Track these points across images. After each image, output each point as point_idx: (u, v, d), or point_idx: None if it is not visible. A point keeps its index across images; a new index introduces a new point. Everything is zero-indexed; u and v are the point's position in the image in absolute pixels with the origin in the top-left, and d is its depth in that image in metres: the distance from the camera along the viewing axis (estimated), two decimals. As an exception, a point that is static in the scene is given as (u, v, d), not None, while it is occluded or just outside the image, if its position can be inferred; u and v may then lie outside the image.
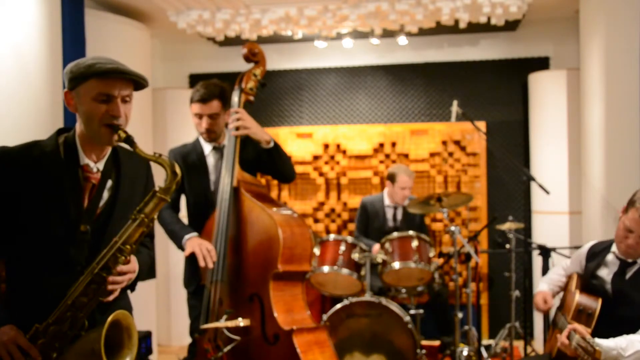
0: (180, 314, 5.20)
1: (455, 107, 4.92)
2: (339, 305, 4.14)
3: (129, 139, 1.93)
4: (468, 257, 4.37)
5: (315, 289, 4.48)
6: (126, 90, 1.97)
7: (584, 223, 4.88)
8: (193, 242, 3.08)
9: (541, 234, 5.46)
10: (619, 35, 3.91)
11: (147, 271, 2.22)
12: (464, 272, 5.50)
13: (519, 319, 5.24)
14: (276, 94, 6.19)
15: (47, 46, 3.68)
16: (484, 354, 4.52)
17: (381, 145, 5.87)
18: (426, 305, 4.70)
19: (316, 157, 5.96)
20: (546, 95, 5.47)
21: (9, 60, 3.32)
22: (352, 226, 5.82)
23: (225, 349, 2.85)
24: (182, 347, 5.50)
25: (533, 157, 5.67)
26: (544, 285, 3.16)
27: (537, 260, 5.18)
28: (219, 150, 3.30)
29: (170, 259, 5.58)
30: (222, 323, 2.85)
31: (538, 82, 5.57)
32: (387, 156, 5.87)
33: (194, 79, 6.24)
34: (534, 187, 5.29)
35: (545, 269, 4.27)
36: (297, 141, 5.96)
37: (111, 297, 2.00)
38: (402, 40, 5.65)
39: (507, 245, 4.86)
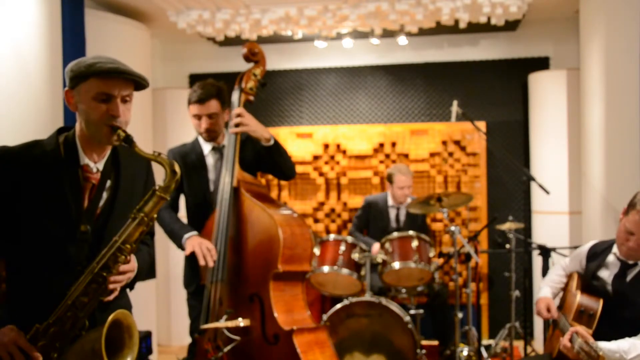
0: (180, 314, 5.20)
1: (455, 107, 4.92)
2: (339, 305, 4.14)
3: (128, 139, 1.93)
4: (468, 257, 4.37)
5: (315, 289, 4.48)
6: (126, 90, 1.97)
7: (584, 223, 4.88)
8: (193, 241, 3.08)
9: (541, 234, 5.46)
10: (619, 35, 3.91)
11: (148, 270, 2.22)
12: (464, 272, 5.50)
13: (519, 319, 5.25)
14: (276, 94, 6.19)
15: (47, 46, 3.68)
16: (484, 354, 4.52)
17: (381, 145, 5.87)
18: (426, 305, 4.70)
19: (316, 157, 5.96)
20: (546, 95, 5.46)
21: (9, 60, 3.32)
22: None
23: (226, 349, 2.85)
24: (182, 347, 5.50)
25: (533, 157, 5.67)
26: (546, 290, 3.12)
27: (537, 260, 5.19)
28: (218, 150, 3.30)
29: (170, 259, 5.58)
30: (222, 323, 2.85)
31: (538, 82, 5.57)
32: (387, 156, 5.87)
33: (194, 79, 6.24)
34: (534, 187, 5.29)
35: (545, 269, 4.26)
36: (297, 141, 5.96)
37: (111, 297, 2.00)
38: (402, 40, 5.65)
39: (507, 245, 4.86)
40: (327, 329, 3.22)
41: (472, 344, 4.53)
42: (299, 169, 5.82)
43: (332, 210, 5.95)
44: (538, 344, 5.33)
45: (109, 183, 2.04)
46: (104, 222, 2.02)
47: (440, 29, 5.52)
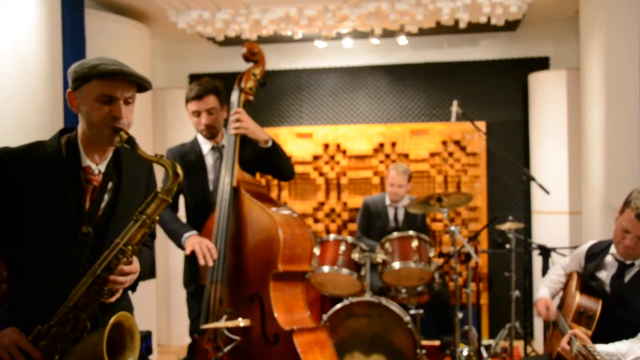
0: (180, 314, 5.20)
1: (455, 107, 4.92)
2: (339, 305, 4.14)
3: (130, 141, 1.93)
4: (468, 257, 4.37)
5: (315, 289, 4.48)
6: (129, 92, 1.97)
7: (584, 223, 4.88)
8: (193, 240, 3.07)
9: (541, 234, 5.46)
10: (619, 35, 3.91)
11: (148, 271, 2.22)
12: (464, 272, 5.50)
13: (519, 319, 5.25)
14: (276, 94, 6.19)
15: (47, 46, 3.68)
16: (484, 354, 4.52)
17: (381, 145, 5.87)
18: (426, 305, 4.70)
19: (316, 157, 5.96)
20: (546, 95, 5.46)
21: (9, 60, 3.32)
22: (352, 226, 5.82)
23: (226, 349, 2.85)
24: (182, 347, 5.50)
25: (533, 157, 5.67)
26: (545, 291, 3.12)
27: (537, 260, 5.19)
28: (217, 150, 3.29)
29: (170, 259, 5.58)
30: (222, 323, 2.85)
31: (538, 82, 5.57)
32: (387, 156, 5.87)
33: (194, 79, 6.20)
34: (534, 187, 5.29)
35: (545, 269, 4.27)
36: (297, 141, 5.96)
37: (113, 298, 2.00)
38: (402, 40, 5.65)
39: (507, 245, 4.86)
40: (327, 329, 3.22)
41: (472, 344, 4.53)
42: (299, 169, 5.83)
43: (332, 210, 5.95)
44: (538, 344, 5.33)
45: (110, 185, 2.04)
46: (105, 224, 2.02)
47: (440, 29, 5.52)
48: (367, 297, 4.14)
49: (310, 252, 3.16)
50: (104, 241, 1.98)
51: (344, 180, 5.92)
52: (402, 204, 4.98)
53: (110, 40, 4.71)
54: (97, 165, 2.02)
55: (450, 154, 5.80)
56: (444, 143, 5.80)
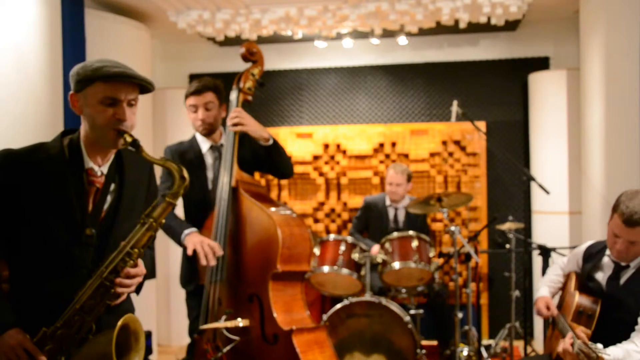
0: (180, 314, 5.19)
1: (455, 107, 4.92)
2: (339, 305, 4.14)
3: (134, 143, 1.93)
4: (468, 257, 4.37)
5: (315, 289, 4.48)
6: (132, 94, 1.97)
7: (584, 223, 4.88)
8: (194, 238, 3.04)
9: (541, 234, 5.46)
10: (619, 35, 3.90)
11: (150, 271, 2.22)
12: (464, 272, 5.50)
13: (519, 319, 5.24)
14: (276, 94, 6.19)
15: (47, 46, 3.68)
16: (484, 354, 4.52)
17: (381, 145, 5.87)
18: (426, 305, 4.70)
19: (316, 157, 5.96)
20: (546, 95, 5.46)
21: (9, 60, 3.32)
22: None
23: (225, 350, 2.85)
24: (181, 347, 5.50)
25: (533, 157, 5.66)
26: (544, 290, 3.12)
27: (537, 260, 5.19)
28: (216, 149, 3.29)
29: (169, 258, 5.58)
30: (222, 323, 2.85)
31: (538, 82, 5.57)
32: (387, 156, 5.87)
33: (194, 79, 6.22)
34: (534, 187, 5.29)
35: (545, 269, 4.26)
36: (297, 141, 5.96)
37: (119, 301, 2.01)
38: (402, 40, 5.65)
39: (507, 245, 4.86)
40: (326, 329, 3.22)
41: (472, 344, 4.53)
42: (299, 169, 5.83)
43: (332, 210, 5.95)
44: (538, 344, 5.33)
45: (113, 186, 2.05)
46: (108, 226, 2.02)
47: (440, 29, 5.52)
48: (367, 297, 4.14)
49: (309, 252, 3.15)
50: (107, 243, 1.99)
51: (344, 180, 5.92)
52: (402, 204, 4.97)
53: (110, 40, 4.71)
54: (99, 167, 2.02)
55: (450, 154, 5.79)
56: (444, 143, 5.80)
